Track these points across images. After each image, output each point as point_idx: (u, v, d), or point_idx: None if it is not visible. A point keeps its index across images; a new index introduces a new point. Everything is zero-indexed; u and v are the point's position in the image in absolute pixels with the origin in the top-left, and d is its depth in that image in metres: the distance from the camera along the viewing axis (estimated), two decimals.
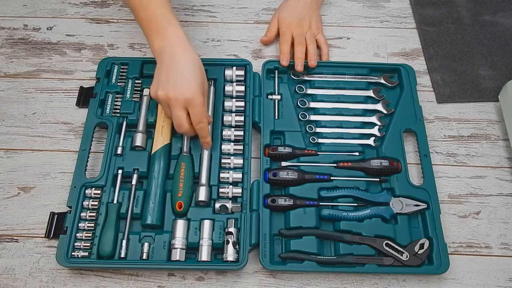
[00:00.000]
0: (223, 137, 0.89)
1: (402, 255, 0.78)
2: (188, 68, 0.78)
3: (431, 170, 0.86)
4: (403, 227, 0.81)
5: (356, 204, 0.83)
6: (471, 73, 1.01)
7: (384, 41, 1.06)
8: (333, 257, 0.79)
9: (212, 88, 0.93)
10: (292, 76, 0.97)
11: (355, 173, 0.86)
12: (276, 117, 0.92)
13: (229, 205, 0.82)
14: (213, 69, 0.95)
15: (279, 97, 0.94)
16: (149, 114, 0.90)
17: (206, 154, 0.86)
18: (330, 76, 0.97)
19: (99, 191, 0.82)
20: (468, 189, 0.88)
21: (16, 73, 0.99)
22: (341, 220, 0.82)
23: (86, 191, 0.82)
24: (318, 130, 0.91)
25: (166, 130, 0.87)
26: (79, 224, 0.80)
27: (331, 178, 0.85)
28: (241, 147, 0.87)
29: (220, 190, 0.83)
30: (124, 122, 0.89)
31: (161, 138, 0.86)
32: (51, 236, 0.81)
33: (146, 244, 0.78)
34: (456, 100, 0.98)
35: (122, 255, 0.78)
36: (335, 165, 0.87)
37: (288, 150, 0.87)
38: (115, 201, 0.82)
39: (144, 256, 0.78)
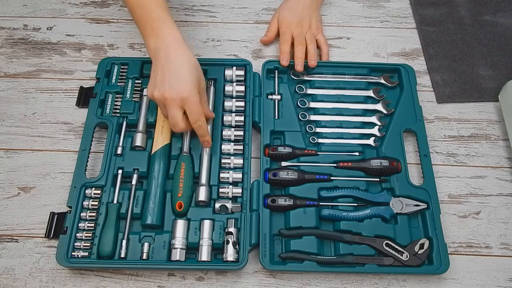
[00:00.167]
0: (223, 137, 0.89)
1: (402, 255, 0.78)
2: (183, 68, 0.78)
3: (431, 170, 0.86)
4: (403, 227, 0.81)
5: (356, 204, 0.83)
6: (471, 73, 1.01)
7: (384, 41, 1.06)
8: (333, 257, 0.79)
9: (212, 88, 0.93)
10: (292, 76, 0.97)
11: (355, 173, 0.86)
12: (276, 117, 0.92)
13: (229, 205, 0.82)
14: (213, 69, 0.95)
15: (279, 97, 0.94)
16: (149, 114, 0.90)
17: (206, 154, 0.86)
18: (330, 76, 0.97)
19: (99, 191, 0.82)
20: (468, 189, 0.88)
21: (16, 73, 0.99)
22: (341, 220, 0.82)
23: (86, 191, 0.82)
24: (318, 130, 0.91)
25: (166, 130, 0.87)
26: (79, 224, 0.80)
27: (331, 178, 0.85)
28: (241, 147, 0.87)
29: (220, 190, 0.83)
30: (124, 122, 0.89)
31: (161, 138, 0.86)
32: (51, 236, 0.81)
33: (146, 244, 0.78)
34: (456, 100, 0.98)
35: (122, 255, 0.78)
36: (335, 165, 0.87)
37: (288, 150, 0.87)
38: (115, 201, 0.82)
39: (144, 256, 0.78)
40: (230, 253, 0.78)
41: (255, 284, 0.79)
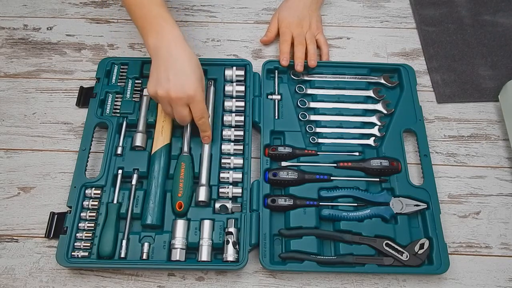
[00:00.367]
0: (223, 137, 0.89)
1: (402, 255, 0.78)
2: (186, 65, 0.78)
3: (431, 170, 0.86)
4: (403, 227, 0.81)
5: (356, 204, 0.83)
6: (471, 73, 1.01)
7: (384, 41, 1.06)
8: (333, 257, 0.79)
9: (212, 88, 0.93)
10: (292, 76, 0.97)
11: (355, 173, 0.86)
12: (276, 117, 0.92)
13: (229, 205, 0.82)
14: (213, 69, 0.95)
15: (279, 97, 0.94)
16: (149, 114, 0.90)
17: (206, 154, 0.86)
18: (330, 76, 0.97)
19: (99, 191, 0.82)
20: (468, 189, 0.88)
21: (16, 73, 0.99)
22: (341, 220, 0.82)
23: (86, 191, 0.82)
24: (318, 130, 0.91)
25: (166, 130, 0.87)
26: (79, 224, 0.80)
27: (331, 178, 0.85)
28: (241, 147, 0.87)
29: (220, 190, 0.83)
30: (124, 122, 0.89)
31: (161, 138, 0.86)
32: (51, 236, 0.81)
33: (146, 244, 0.78)
34: (456, 100, 0.98)
35: (122, 255, 0.78)
36: (335, 165, 0.87)
37: (288, 150, 0.87)
38: (115, 201, 0.82)
39: (144, 256, 0.78)
40: (230, 253, 0.78)
41: (255, 284, 0.79)
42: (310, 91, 0.96)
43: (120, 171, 0.85)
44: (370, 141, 0.90)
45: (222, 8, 1.10)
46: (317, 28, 1.03)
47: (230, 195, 0.83)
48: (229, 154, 0.88)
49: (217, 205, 0.82)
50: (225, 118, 0.90)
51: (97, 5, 1.10)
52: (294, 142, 0.89)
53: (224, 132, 0.89)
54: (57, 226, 0.81)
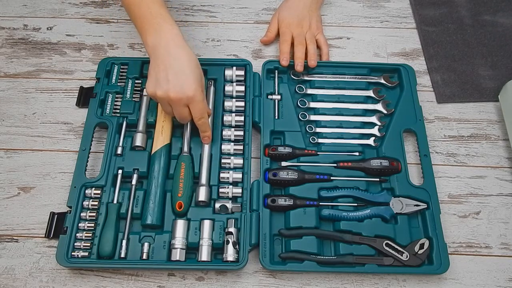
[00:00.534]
0: (223, 137, 0.89)
1: (402, 255, 0.78)
2: (186, 65, 0.78)
3: (431, 170, 0.86)
4: (403, 227, 0.81)
5: (356, 204, 0.83)
6: (471, 73, 1.01)
7: (384, 41, 1.06)
8: (333, 257, 0.79)
9: (212, 88, 0.93)
10: (292, 76, 0.97)
11: (355, 173, 0.86)
12: (276, 117, 0.92)
13: (229, 205, 0.82)
14: (213, 69, 0.95)
15: (279, 97, 0.94)
16: (149, 114, 0.90)
17: (206, 154, 0.86)
18: (330, 76, 0.97)
19: (99, 191, 0.82)
20: (468, 189, 0.88)
21: (16, 73, 0.99)
22: (341, 220, 0.82)
23: (86, 191, 0.82)
24: (318, 130, 0.91)
25: (166, 130, 0.87)
26: (79, 224, 0.80)
27: (331, 178, 0.85)
28: (241, 147, 0.87)
29: (220, 190, 0.83)
30: (124, 122, 0.89)
31: (161, 138, 0.86)
32: (51, 236, 0.81)
33: (146, 244, 0.78)
34: (456, 100, 0.98)
35: (122, 255, 0.78)
36: (335, 165, 0.87)
37: (288, 150, 0.87)
38: (115, 201, 0.82)
39: (144, 256, 0.78)
40: (230, 253, 0.78)
41: (255, 284, 0.79)
42: (310, 91, 0.96)
43: (120, 171, 0.85)
44: (370, 141, 0.90)
45: (222, 8, 1.10)
46: (317, 28, 1.03)
47: (230, 195, 0.83)
48: (229, 154, 0.88)
49: (217, 205, 0.82)
50: (225, 118, 0.90)
51: (97, 5, 1.10)
52: (294, 142, 0.89)
53: (224, 132, 0.89)
54: (57, 226, 0.81)
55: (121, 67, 0.96)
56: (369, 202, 0.83)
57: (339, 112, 0.93)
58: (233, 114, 0.91)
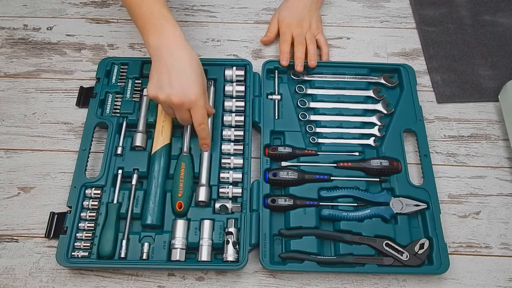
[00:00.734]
0: (223, 137, 0.89)
1: (402, 255, 0.78)
2: (188, 68, 0.77)
3: (431, 170, 0.86)
4: (403, 227, 0.81)
5: (356, 204, 0.83)
6: (471, 73, 1.01)
7: (384, 41, 1.06)
8: (333, 257, 0.79)
9: (212, 88, 0.93)
10: (292, 76, 0.97)
11: (355, 173, 0.86)
12: (276, 117, 0.92)
13: (229, 205, 0.82)
14: (213, 69, 0.95)
15: (279, 97, 0.94)
16: (149, 114, 0.90)
17: (206, 154, 0.86)
18: (330, 76, 0.97)
19: (99, 191, 0.82)
20: (468, 189, 0.88)
21: (16, 73, 0.99)
22: (341, 220, 0.82)
23: (86, 191, 0.82)
24: (318, 130, 0.91)
25: (166, 130, 0.87)
26: (79, 224, 0.80)
27: (331, 178, 0.85)
28: (241, 147, 0.87)
29: (220, 190, 0.83)
30: (124, 122, 0.89)
31: (161, 138, 0.86)
32: (51, 236, 0.81)
33: (146, 244, 0.78)
34: (456, 100, 0.98)
35: (122, 255, 0.78)
36: (335, 165, 0.87)
37: (288, 150, 0.87)
38: (115, 201, 0.82)
39: (144, 256, 0.78)
40: (230, 253, 0.78)
41: (255, 284, 0.79)
42: (310, 91, 0.96)
43: (120, 171, 0.85)
44: (370, 141, 0.90)
45: (222, 8, 1.10)
46: (317, 28, 1.03)
47: (230, 195, 0.83)
48: (229, 154, 0.88)
49: (217, 205, 0.82)
50: (225, 118, 0.90)
51: (97, 5, 1.10)
52: (294, 142, 0.89)
53: (224, 132, 0.89)
54: (57, 226, 0.81)
55: (121, 67, 0.96)
56: (369, 202, 0.83)
57: (339, 112, 0.93)
58: (233, 114, 0.91)
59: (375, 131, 0.91)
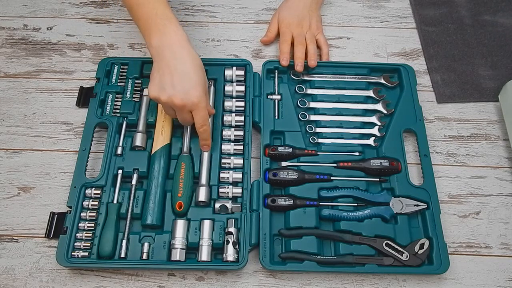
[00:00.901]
0: (223, 137, 0.89)
1: (402, 255, 0.78)
2: (190, 69, 0.77)
3: (431, 170, 0.86)
4: (403, 227, 0.81)
5: (356, 204, 0.83)
6: (471, 73, 1.01)
7: (384, 41, 1.06)
8: (333, 257, 0.79)
9: (212, 88, 0.93)
10: (292, 76, 0.97)
11: (355, 173, 0.86)
12: (276, 117, 0.92)
13: (229, 205, 0.82)
14: (213, 69, 0.95)
15: (279, 97, 0.94)
16: (149, 114, 0.90)
17: (206, 154, 0.86)
18: (330, 76, 0.97)
19: (99, 191, 0.82)
20: (468, 189, 0.88)
21: (16, 73, 1.00)
22: (341, 220, 0.82)
23: (86, 191, 0.82)
24: (318, 130, 0.91)
25: (166, 130, 0.87)
26: (79, 224, 0.80)
27: (331, 178, 0.85)
28: (241, 147, 0.87)
29: (220, 190, 0.83)
30: (124, 122, 0.89)
31: (161, 138, 0.86)
32: (51, 236, 0.81)
33: (146, 244, 0.78)
34: (456, 100, 0.98)
35: (122, 255, 0.78)
36: (335, 165, 0.87)
37: (288, 150, 0.87)
38: (115, 201, 0.82)
39: (144, 256, 0.78)
40: (230, 253, 0.78)
41: (255, 284, 0.79)
42: (310, 91, 0.96)
43: (120, 171, 0.85)
44: (370, 141, 0.90)
45: (222, 8, 1.10)
46: (317, 28, 1.03)
47: (230, 195, 0.83)
48: (229, 154, 0.88)
49: (217, 205, 0.82)
50: (225, 118, 0.90)
51: (97, 5, 1.10)
52: (294, 142, 0.89)
53: (224, 132, 0.89)
54: (57, 226, 0.81)
55: (121, 67, 0.96)
56: (369, 202, 0.83)
57: (339, 112, 0.93)
58: (233, 114, 0.91)
59: (375, 131, 0.91)
